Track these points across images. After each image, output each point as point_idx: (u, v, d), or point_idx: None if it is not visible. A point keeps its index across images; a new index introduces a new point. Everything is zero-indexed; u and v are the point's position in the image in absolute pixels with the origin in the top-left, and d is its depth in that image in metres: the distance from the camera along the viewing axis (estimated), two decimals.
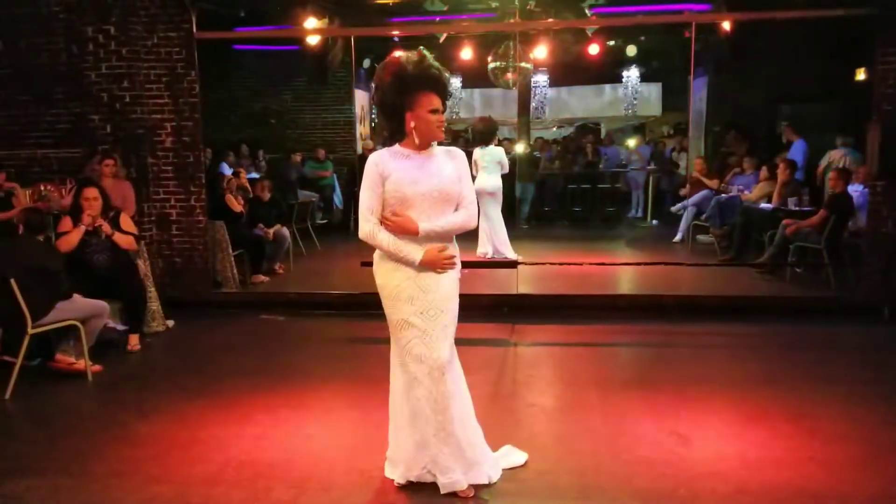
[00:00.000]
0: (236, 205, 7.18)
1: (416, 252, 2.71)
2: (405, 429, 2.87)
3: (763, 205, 7.76)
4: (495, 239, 7.73)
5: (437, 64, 2.72)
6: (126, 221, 5.37)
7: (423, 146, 2.76)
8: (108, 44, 6.26)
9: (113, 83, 6.30)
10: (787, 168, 7.49)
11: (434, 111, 2.71)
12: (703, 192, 8.84)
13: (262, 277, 7.16)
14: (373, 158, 2.76)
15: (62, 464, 3.30)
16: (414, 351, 2.74)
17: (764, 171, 8.13)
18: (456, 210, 2.81)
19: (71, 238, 4.97)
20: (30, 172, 6.41)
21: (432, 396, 2.74)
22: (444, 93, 2.75)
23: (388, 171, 2.71)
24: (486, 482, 2.93)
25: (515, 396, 4.16)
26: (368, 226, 2.76)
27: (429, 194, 2.70)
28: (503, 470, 3.07)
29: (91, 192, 5.08)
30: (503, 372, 4.58)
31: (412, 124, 2.71)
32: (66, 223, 5.07)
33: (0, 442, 3.63)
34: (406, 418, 2.85)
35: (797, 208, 7.14)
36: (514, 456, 3.19)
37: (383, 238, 2.73)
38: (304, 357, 5.10)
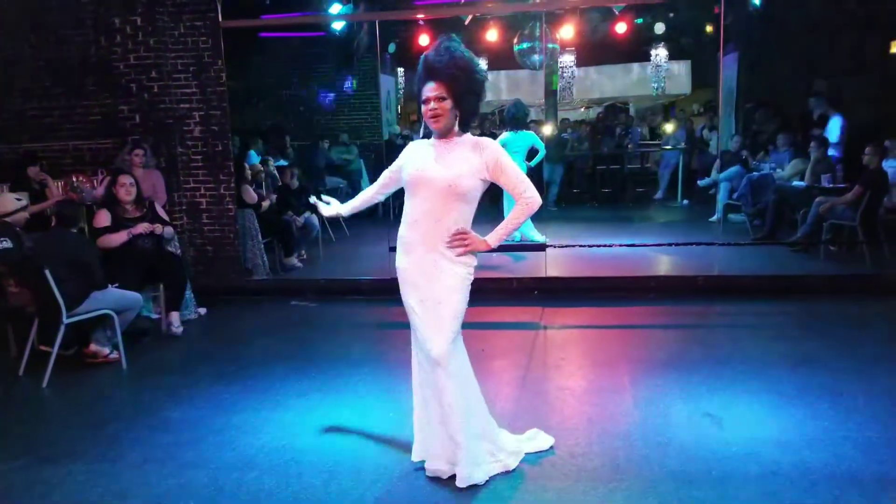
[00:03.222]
0: (251, 195, 7.14)
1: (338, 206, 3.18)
2: (417, 411, 2.96)
3: (796, 182, 7.58)
4: (524, 225, 7.66)
5: (449, 48, 2.63)
6: (160, 210, 5.53)
7: (441, 135, 2.72)
8: (135, 34, 6.32)
9: (141, 74, 6.37)
10: (821, 145, 7.30)
11: (424, 101, 2.67)
12: (734, 169, 8.66)
13: (294, 261, 7.19)
14: (409, 144, 2.89)
15: (99, 450, 3.37)
16: (416, 336, 2.79)
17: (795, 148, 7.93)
18: (515, 197, 2.75)
19: (113, 239, 5.08)
20: (62, 164, 6.52)
21: (430, 382, 2.78)
22: (442, 78, 2.62)
23: (409, 157, 2.79)
24: (484, 479, 2.81)
25: (546, 379, 4.14)
26: (370, 186, 3.09)
27: (431, 184, 2.66)
28: (530, 453, 3.05)
29: (126, 179, 5.23)
30: (533, 355, 4.55)
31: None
32: (102, 216, 5.16)
33: (39, 429, 3.73)
34: (418, 401, 2.93)
35: (831, 185, 6.96)
36: (539, 440, 3.17)
37: (361, 194, 3.13)
38: (334, 343, 5.13)
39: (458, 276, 2.71)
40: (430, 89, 2.63)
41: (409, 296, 2.75)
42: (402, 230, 2.77)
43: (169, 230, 5.45)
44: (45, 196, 5.97)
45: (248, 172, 7.34)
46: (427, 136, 2.84)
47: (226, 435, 3.47)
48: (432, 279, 2.70)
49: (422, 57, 2.68)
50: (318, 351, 4.89)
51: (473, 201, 2.72)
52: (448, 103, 2.63)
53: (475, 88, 2.68)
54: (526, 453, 3.05)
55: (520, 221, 2.77)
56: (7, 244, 4.56)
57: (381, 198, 3.08)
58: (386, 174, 2.97)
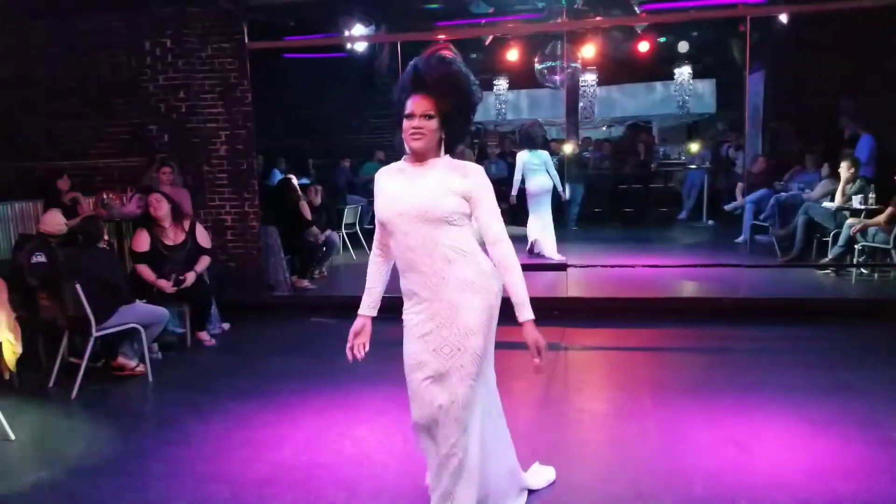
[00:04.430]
0: (308, 212, 7.27)
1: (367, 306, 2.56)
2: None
3: (826, 203, 7.46)
4: (544, 239, 7.70)
5: (444, 60, 2.30)
6: (201, 233, 5.51)
7: (417, 157, 2.33)
8: (164, 56, 6.49)
9: (170, 94, 6.52)
10: (852, 165, 7.19)
11: (408, 116, 2.28)
12: (762, 191, 8.56)
13: (304, 282, 7.22)
14: (379, 172, 2.46)
15: (123, 462, 3.41)
16: (414, 411, 2.46)
17: (825, 169, 7.82)
18: (487, 241, 2.35)
19: (147, 278, 5.12)
20: (92, 182, 6.67)
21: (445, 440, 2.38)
22: (431, 93, 2.26)
23: (379, 190, 2.40)
24: None
25: (566, 401, 4.09)
26: (371, 253, 2.58)
27: (407, 213, 2.28)
28: (540, 489, 2.92)
29: (156, 196, 5.30)
30: (553, 376, 4.52)
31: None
32: (142, 240, 5.23)
33: (67, 440, 3.79)
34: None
35: (863, 206, 6.84)
36: (543, 474, 2.98)
37: (372, 271, 2.59)
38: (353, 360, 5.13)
39: (477, 311, 2.33)
40: (416, 104, 2.27)
41: (416, 348, 2.40)
42: (401, 276, 2.44)
43: (204, 263, 5.41)
44: (77, 213, 6.10)
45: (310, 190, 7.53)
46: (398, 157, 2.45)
47: (246, 450, 3.48)
48: (447, 326, 2.33)
49: (410, 64, 2.32)
50: (336, 367, 4.88)
51: (462, 222, 2.32)
52: (434, 123, 2.27)
53: (466, 111, 2.34)
54: (534, 490, 2.87)
55: (520, 274, 2.35)
56: (41, 258, 4.69)
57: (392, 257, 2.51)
58: (376, 221, 2.49)
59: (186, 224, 5.42)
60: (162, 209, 5.26)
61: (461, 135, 2.43)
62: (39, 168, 6.71)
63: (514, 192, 7.78)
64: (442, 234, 2.28)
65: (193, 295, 5.36)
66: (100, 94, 6.66)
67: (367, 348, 2.58)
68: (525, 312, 2.33)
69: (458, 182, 2.29)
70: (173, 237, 5.31)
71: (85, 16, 6.52)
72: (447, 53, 2.31)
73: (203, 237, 5.51)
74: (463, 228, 2.32)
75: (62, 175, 6.32)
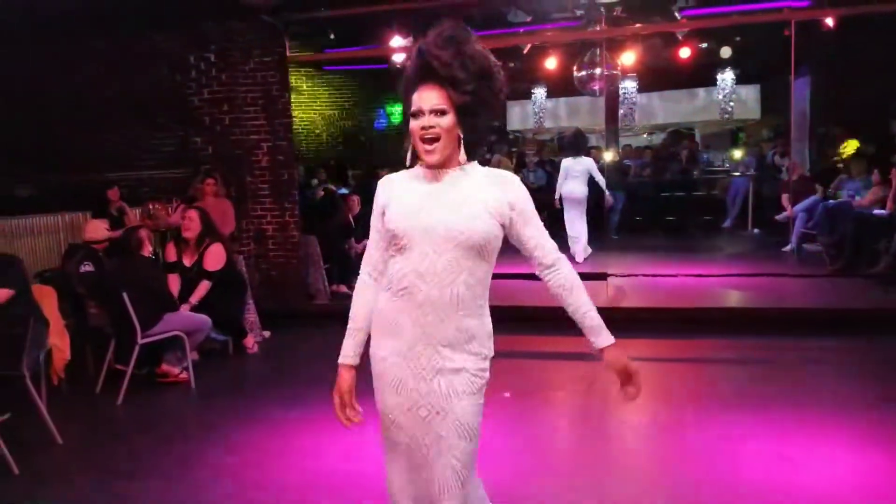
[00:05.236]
0: (350, 221, 7.42)
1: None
2: None
3: (876, 211, 7.22)
4: (575, 243, 7.98)
5: (454, 39, 1.77)
6: (212, 254, 5.20)
7: (434, 164, 1.82)
8: (209, 70, 6.66)
9: (214, 107, 6.68)
10: None
11: (415, 113, 1.80)
12: (811, 199, 8.33)
13: (343, 288, 7.27)
14: (381, 181, 1.96)
15: (167, 467, 3.48)
16: (391, 474, 1.98)
17: (876, 175, 7.57)
18: (541, 265, 1.89)
19: (172, 289, 5.09)
20: (139, 192, 6.87)
21: None
22: (443, 82, 1.76)
23: (390, 198, 1.89)
24: None
25: (606, 413, 4.03)
26: (357, 281, 2.00)
27: (433, 231, 1.78)
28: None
29: (191, 214, 5.29)
30: (593, 388, 4.45)
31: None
32: (170, 251, 5.32)
33: (112, 445, 3.89)
34: None
35: None
36: None
37: (358, 302, 1.99)
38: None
39: (470, 372, 1.84)
40: (425, 97, 1.78)
41: (390, 402, 1.89)
42: (384, 301, 1.89)
43: (200, 291, 5.06)
44: (124, 223, 6.28)
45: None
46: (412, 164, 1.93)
47: (287, 457, 3.52)
48: (427, 379, 1.83)
49: (416, 47, 1.82)
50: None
51: (491, 258, 1.85)
52: (449, 119, 1.77)
53: (490, 101, 1.81)
54: None
55: (586, 295, 1.92)
56: (90, 268, 4.85)
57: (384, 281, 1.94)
58: (374, 238, 1.96)
59: (206, 247, 5.22)
60: (191, 231, 5.21)
61: (484, 132, 1.96)
62: (89, 180, 6.94)
63: (557, 195, 8.14)
64: (469, 266, 1.80)
65: (216, 316, 5.13)
66: (147, 107, 6.87)
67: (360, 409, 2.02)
68: (606, 336, 1.92)
69: (497, 197, 1.82)
70: (189, 258, 5.27)
71: (133, 33, 6.73)
72: (458, 31, 1.79)
73: (212, 259, 5.19)
74: (490, 268, 1.87)
75: (112, 186, 6.52)
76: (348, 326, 2.00)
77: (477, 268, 1.82)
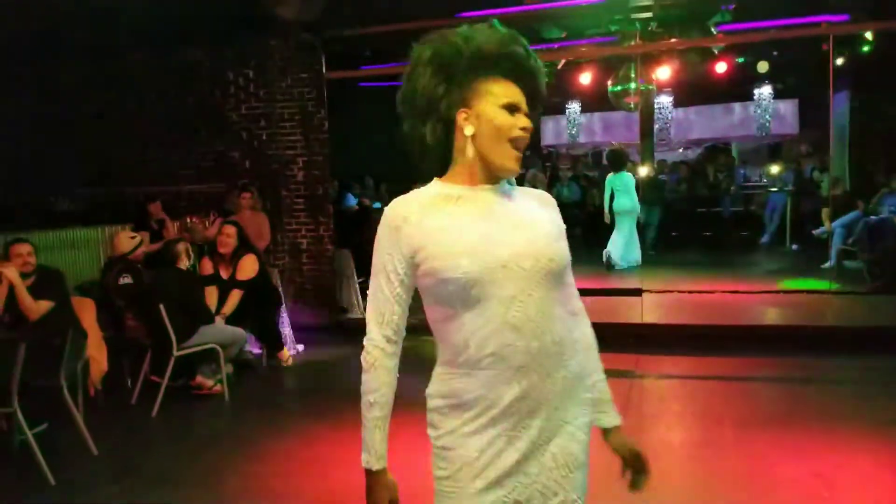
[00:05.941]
0: None
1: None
2: None
3: None
4: (618, 249, 8.42)
5: (514, 36, 1.41)
6: (246, 263, 5.30)
7: (486, 177, 1.42)
8: (247, 86, 6.80)
9: (251, 122, 6.82)
10: None
11: (511, 107, 1.38)
12: (852, 214, 8.14)
13: None
14: (389, 214, 1.47)
15: (201, 477, 3.53)
16: None
17: None
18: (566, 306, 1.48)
19: (208, 303, 5.17)
20: (178, 206, 7.02)
21: None
22: (526, 82, 1.42)
23: (424, 235, 1.40)
24: None
25: (642, 432, 3.96)
26: (368, 349, 1.55)
27: (514, 264, 1.34)
28: None
29: (228, 230, 5.38)
30: (628, 406, 4.39)
31: (468, 131, 1.38)
32: (206, 265, 5.40)
33: (148, 455, 3.95)
34: None
35: None
36: None
37: (378, 380, 1.53)
38: (423, 382, 5.15)
39: (584, 428, 1.53)
40: (512, 91, 1.39)
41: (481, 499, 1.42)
42: (446, 378, 1.54)
43: (232, 302, 5.17)
44: (163, 236, 6.42)
45: None
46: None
47: (317, 468, 3.54)
48: (540, 453, 1.44)
49: (463, 31, 1.41)
50: (408, 389, 4.91)
51: (570, 278, 1.53)
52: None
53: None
54: None
55: (599, 360, 1.60)
56: (128, 280, 4.95)
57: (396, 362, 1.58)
58: (387, 293, 1.55)
59: (239, 258, 5.30)
60: (227, 246, 5.30)
61: None
62: (130, 193, 7.12)
63: (607, 209, 8.69)
64: (559, 297, 1.42)
65: (257, 323, 5.37)
66: (186, 123, 7.04)
67: None
68: (614, 414, 1.59)
69: (553, 218, 1.48)
70: (223, 271, 5.35)
71: (174, 49, 6.92)
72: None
73: (244, 269, 5.27)
74: (574, 291, 1.54)
75: (155, 200, 6.68)
76: (369, 416, 1.49)
77: (570, 301, 1.51)
